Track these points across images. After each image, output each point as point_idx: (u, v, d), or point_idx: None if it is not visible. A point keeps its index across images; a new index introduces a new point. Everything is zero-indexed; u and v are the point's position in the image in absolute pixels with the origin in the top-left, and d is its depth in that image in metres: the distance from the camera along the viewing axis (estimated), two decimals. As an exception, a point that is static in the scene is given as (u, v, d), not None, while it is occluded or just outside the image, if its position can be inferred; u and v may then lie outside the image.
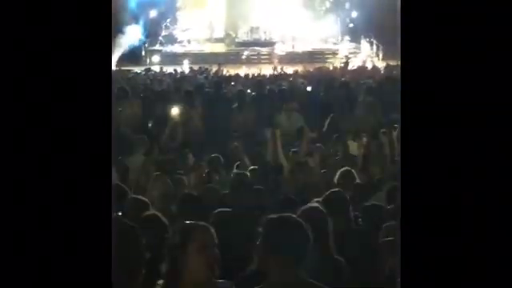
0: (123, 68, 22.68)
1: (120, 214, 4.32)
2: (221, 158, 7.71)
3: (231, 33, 30.46)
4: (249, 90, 12.47)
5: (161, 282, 3.16)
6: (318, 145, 8.29)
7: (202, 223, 3.23)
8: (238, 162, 7.58)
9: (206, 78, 16.66)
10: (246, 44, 29.96)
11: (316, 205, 4.29)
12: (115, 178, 6.38)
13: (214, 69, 20.88)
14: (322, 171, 7.22)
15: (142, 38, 28.56)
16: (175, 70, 20.47)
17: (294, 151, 7.91)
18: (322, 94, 11.82)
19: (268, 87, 12.22)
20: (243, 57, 28.00)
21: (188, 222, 3.25)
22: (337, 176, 6.24)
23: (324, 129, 9.70)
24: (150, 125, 9.91)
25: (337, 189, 5.14)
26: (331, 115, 9.71)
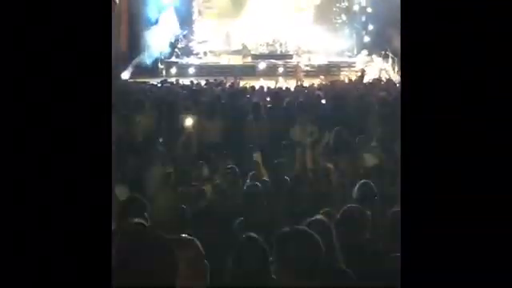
0: (139, 80, 22.78)
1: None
2: (236, 168, 7.73)
3: (247, 45, 30.50)
4: (264, 102, 12.48)
5: None
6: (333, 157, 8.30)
7: (187, 237, 3.21)
8: (253, 172, 7.58)
9: (223, 90, 16.67)
10: (262, 56, 29.98)
11: (320, 217, 4.32)
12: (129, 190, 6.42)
13: (231, 81, 20.93)
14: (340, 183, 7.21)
15: (159, 49, 28.67)
16: (192, 82, 20.50)
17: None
18: (337, 106, 11.82)
19: (286, 99, 12.24)
20: (259, 69, 28.01)
21: (173, 236, 3.22)
22: (355, 189, 6.23)
23: (339, 141, 9.69)
24: (161, 139, 9.91)
25: (353, 204, 5.11)
26: (341, 127, 9.67)
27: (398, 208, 5.38)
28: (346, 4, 31.69)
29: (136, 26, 28.87)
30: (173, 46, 29.89)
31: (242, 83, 20.62)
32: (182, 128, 9.69)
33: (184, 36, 30.75)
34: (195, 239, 3.18)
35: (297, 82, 21.75)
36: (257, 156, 8.20)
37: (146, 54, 28.48)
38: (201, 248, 3.11)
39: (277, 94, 14.07)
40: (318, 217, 4.37)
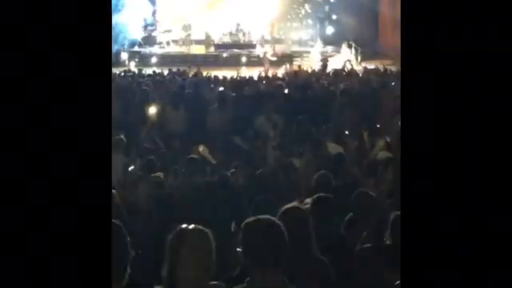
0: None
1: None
2: (198, 159, 7.74)
3: (210, 35, 30.42)
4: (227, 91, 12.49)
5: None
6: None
7: (198, 227, 3.26)
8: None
9: (185, 79, 16.64)
10: (226, 46, 29.96)
11: (296, 204, 4.35)
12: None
13: (194, 71, 20.86)
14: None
15: (122, 39, 28.46)
16: (154, 72, 20.39)
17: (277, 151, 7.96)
18: (300, 96, 11.88)
19: (247, 89, 12.28)
20: (222, 59, 27.98)
21: (185, 225, 3.28)
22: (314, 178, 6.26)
23: (301, 130, 9.75)
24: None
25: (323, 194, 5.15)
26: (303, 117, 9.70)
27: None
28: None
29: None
30: (135, 35, 29.68)
31: (204, 73, 20.56)
32: (145, 118, 9.66)
33: (147, 25, 30.57)
34: (208, 231, 3.21)
35: (265, 72, 21.74)
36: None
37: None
38: (211, 239, 3.15)
39: (240, 83, 14.10)
40: (294, 204, 4.38)
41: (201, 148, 8.06)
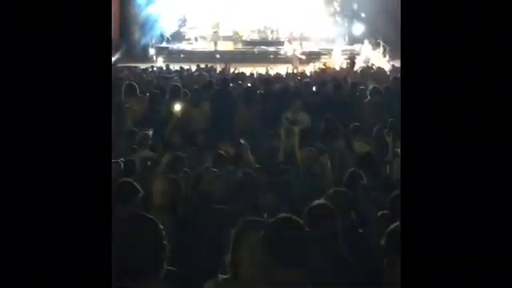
0: (130, 65, 22.70)
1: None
2: (224, 154, 7.70)
3: (239, 31, 30.42)
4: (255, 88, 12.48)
5: None
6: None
7: (261, 219, 3.37)
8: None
9: (212, 76, 16.64)
10: (254, 43, 29.93)
11: (323, 202, 4.28)
12: (122, 174, 6.40)
13: (221, 67, 20.90)
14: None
15: (149, 35, 28.55)
16: (181, 68, 20.44)
17: (310, 149, 7.88)
18: (327, 93, 11.81)
19: (275, 86, 12.23)
20: (250, 56, 27.97)
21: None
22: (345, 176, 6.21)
23: (329, 128, 9.68)
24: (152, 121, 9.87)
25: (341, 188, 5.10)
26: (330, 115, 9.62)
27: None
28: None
29: (127, 10, 28.75)
30: (164, 31, 29.77)
31: (232, 70, 20.58)
32: (172, 114, 9.64)
33: (176, 21, 30.64)
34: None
35: (292, 70, 21.71)
36: (243, 143, 8.15)
37: (137, 38, 28.36)
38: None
39: (267, 80, 14.06)
40: (321, 201, 4.32)
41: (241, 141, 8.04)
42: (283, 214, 3.31)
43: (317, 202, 4.23)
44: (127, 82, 11.23)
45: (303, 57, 26.57)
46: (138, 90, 10.67)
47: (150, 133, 8.65)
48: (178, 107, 9.45)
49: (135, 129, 8.99)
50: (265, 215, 3.63)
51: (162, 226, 3.15)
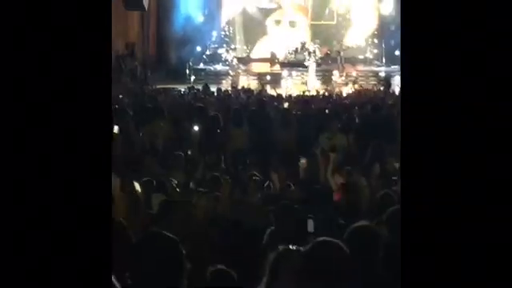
0: (167, 86, 22.87)
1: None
2: (258, 176, 7.68)
3: (275, 53, 30.45)
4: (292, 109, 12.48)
5: None
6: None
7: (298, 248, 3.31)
8: (267, 183, 7.52)
9: (249, 97, 16.68)
10: (290, 64, 29.90)
11: (365, 223, 4.20)
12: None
13: (258, 88, 20.96)
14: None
15: (186, 56, 28.73)
16: (219, 89, 20.50)
17: (348, 169, 7.82)
18: (364, 115, 11.75)
19: (312, 107, 12.22)
20: (287, 77, 27.97)
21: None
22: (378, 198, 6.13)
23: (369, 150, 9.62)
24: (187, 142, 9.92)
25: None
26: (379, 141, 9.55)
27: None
28: (375, 14, 31.47)
29: (164, 31, 29.01)
30: (201, 52, 29.94)
31: (269, 91, 20.61)
32: (208, 134, 9.69)
33: (212, 42, 30.81)
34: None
35: (329, 91, 21.66)
36: (278, 164, 8.14)
37: (174, 59, 28.55)
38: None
39: (304, 101, 14.06)
40: (363, 223, 4.23)
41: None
42: (323, 238, 3.26)
43: (358, 223, 4.15)
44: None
45: (340, 78, 26.51)
46: (171, 111, 10.76)
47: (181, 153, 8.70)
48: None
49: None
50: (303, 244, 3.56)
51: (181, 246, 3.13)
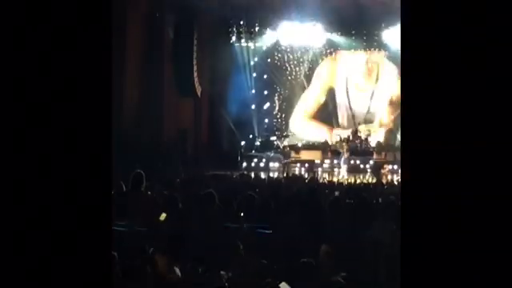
0: (218, 172, 22.98)
1: None
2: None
3: (328, 141, 30.51)
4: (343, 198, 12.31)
5: None
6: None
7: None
8: None
9: (300, 185, 16.58)
10: (342, 152, 29.84)
11: None
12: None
13: (310, 176, 20.89)
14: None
15: (238, 142, 29.02)
16: (269, 177, 20.53)
17: None
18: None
19: (363, 195, 12.02)
20: (338, 165, 27.88)
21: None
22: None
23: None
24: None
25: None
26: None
27: None
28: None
29: (216, 115, 29.47)
30: (253, 139, 30.20)
31: (320, 179, 20.54)
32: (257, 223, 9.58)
33: (265, 130, 31.08)
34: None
35: (382, 179, 21.47)
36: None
37: (227, 145, 28.83)
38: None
39: (356, 189, 13.89)
40: None
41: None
42: None
43: None
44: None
45: (393, 166, 26.30)
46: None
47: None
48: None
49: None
50: None
51: None
